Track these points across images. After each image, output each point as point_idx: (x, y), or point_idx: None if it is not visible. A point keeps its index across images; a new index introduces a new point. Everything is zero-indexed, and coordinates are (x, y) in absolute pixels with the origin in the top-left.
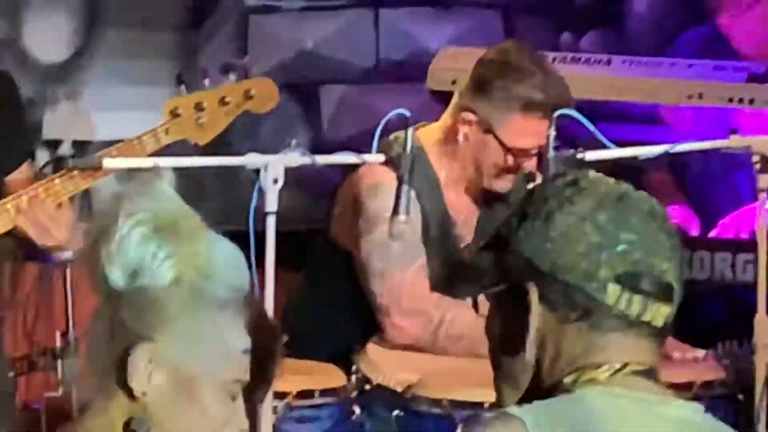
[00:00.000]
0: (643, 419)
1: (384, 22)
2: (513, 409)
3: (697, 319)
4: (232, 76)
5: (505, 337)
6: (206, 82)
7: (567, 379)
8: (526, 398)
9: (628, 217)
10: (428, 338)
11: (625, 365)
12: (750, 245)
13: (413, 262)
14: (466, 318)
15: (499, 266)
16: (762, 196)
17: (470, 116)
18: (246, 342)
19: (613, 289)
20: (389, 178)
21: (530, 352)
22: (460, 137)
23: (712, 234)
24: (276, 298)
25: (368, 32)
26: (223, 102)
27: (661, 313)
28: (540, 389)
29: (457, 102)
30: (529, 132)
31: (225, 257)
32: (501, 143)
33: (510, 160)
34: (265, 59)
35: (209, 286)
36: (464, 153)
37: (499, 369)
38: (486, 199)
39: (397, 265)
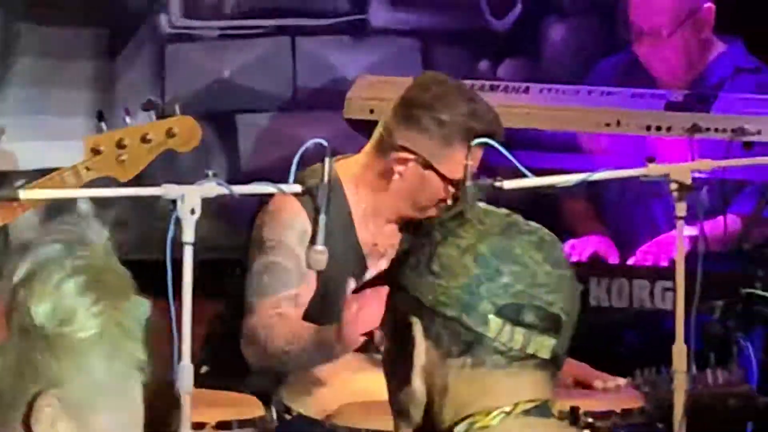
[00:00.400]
0: None
1: (301, 50)
2: None
3: (615, 347)
4: (153, 114)
5: (396, 371)
6: (128, 119)
7: (460, 428)
8: None
9: (512, 249)
10: (266, 363)
11: (515, 406)
12: (668, 273)
13: (278, 291)
14: (281, 334)
15: (388, 303)
16: (680, 223)
17: (406, 155)
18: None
19: (494, 321)
20: (291, 207)
21: (419, 387)
22: (396, 176)
23: (631, 262)
24: (195, 327)
25: (285, 60)
26: (144, 140)
27: (546, 346)
28: (431, 430)
29: (384, 139)
30: (470, 160)
31: (146, 320)
32: (442, 176)
33: (452, 190)
34: (182, 88)
35: (130, 345)
36: (399, 190)
37: (394, 403)
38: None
39: (260, 294)
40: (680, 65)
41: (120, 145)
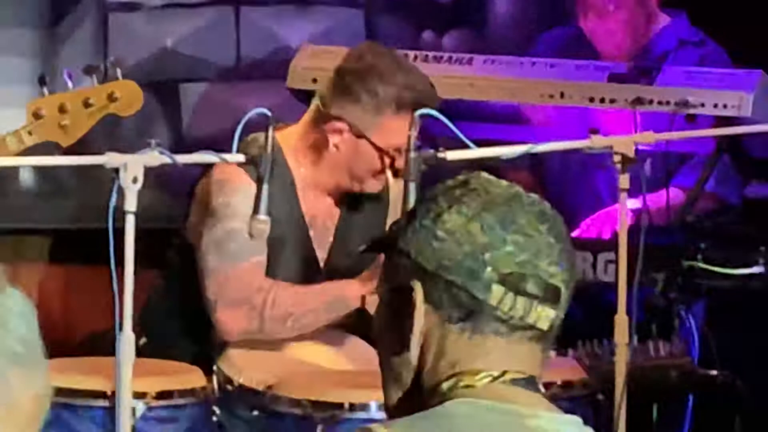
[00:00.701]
0: None
1: (245, 19)
2: (378, 428)
3: None
4: (94, 79)
5: (390, 336)
6: (69, 84)
7: (445, 385)
8: (405, 398)
9: (516, 219)
10: (255, 327)
11: (503, 373)
12: (611, 245)
13: (248, 258)
14: (288, 295)
15: (385, 266)
16: (622, 196)
17: (340, 125)
18: (38, 398)
19: (497, 289)
20: (237, 176)
21: (414, 352)
22: (331, 147)
23: (574, 234)
24: (136, 297)
25: (229, 30)
26: (86, 104)
27: (545, 316)
28: (419, 390)
29: (320, 110)
30: (402, 130)
31: (19, 310)
32: (375, 146)
33: (386, 160)
34: (125, 57)
35: (2, 335)
36: (335, 161)
37: (386, 369)
38: (347, 200)
39: (230, 260)
40: (625, 39)
41: (62, 110)
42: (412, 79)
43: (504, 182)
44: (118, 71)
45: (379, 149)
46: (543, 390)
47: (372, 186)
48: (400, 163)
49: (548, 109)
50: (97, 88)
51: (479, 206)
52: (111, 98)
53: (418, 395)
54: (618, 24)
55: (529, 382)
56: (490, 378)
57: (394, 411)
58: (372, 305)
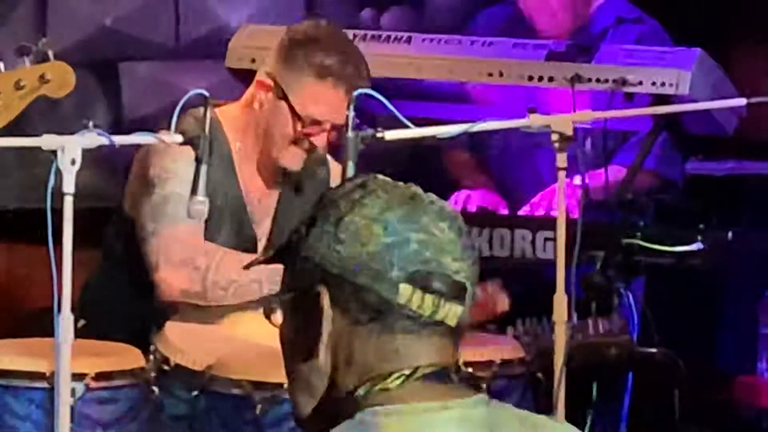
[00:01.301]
0: None
1: None
2: None
3: None
4: (27, 60)
5: (298, 344)
6: (1, 65)
7: (360, 391)
8: (321, 407)
9: (418, 217)
10: (197, 289)
11: (415, 369)
12: (550, 223)
13: (185, 221)
14: (233, 261)
15: (290, 273)
16: (560, 174)
17: (268, 80)
18: None
19: (404, 288)
20: (177, 146)
21: (323, 358)
22: (256, 105)
23: (520, 213)
24: (75, 278)
25: (168, 9)
26: (18, 86)
27: (453, 313)
28: (332, 398)
29: (258, 74)
30: (321, 100)
31: None
32: (292, 110)
33: (299, 127)
34: (64, 36)
35: None
36: (258, 121)
37: (294, 377)
38: (287, 181)
39: (169, 221)
40: (564, 17)
41: None
42: (343, 53)
43: (401, 183)
44: (50, 52)
45: (295, 114)
46: (455, 378)
47: (289, 159)
48: (317, 140)
49: (488, 87)
50: (28, 69)
51: (380, 206)
52: (42, 79)
53: (332, 403)
54: (555, 2)
55: (441, 375)
56: (402, 377)
57: (307, 422)
58: None
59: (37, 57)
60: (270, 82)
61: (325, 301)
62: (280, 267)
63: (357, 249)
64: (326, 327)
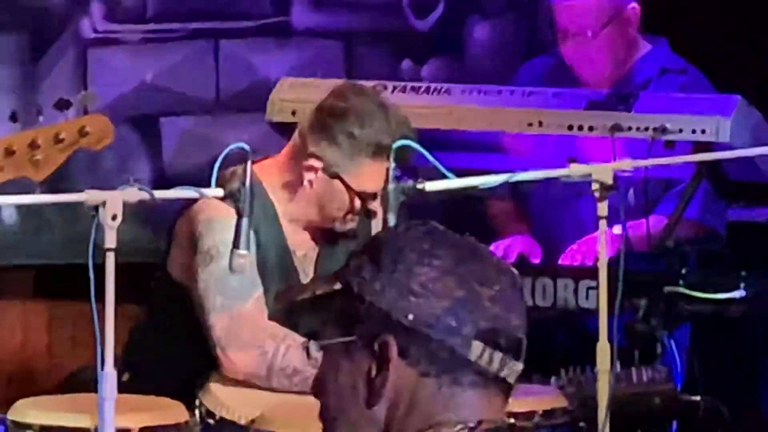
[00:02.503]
0: None
1: (224, 52)
2: None
3: (540, 347)
4: (68, 113)
5: (353, 389)
6: (41, 118)
7: None
8: None
9: (486, 272)
10: (263, 373)
11: (479, 423)
12: (592, 272)
13: (251, 294)
14: (299, 353)
15: (346, 317)
16: (602, 223)
17: (316, 162)
18: None
19: (476, 345)
20: (225, 212)
21: (383, 407)
22: (306, 183)
23: (558, 262)
24: (118, 332)
25: (208, 63)
26: (57, 139)
27: (515, 370)
28: None
29: (299, 145)
30: (377, 176)
31: None
32: (348, 187)
33: (357, 203)
34: (105, 92)
35: None
36: (309, 197)
37: (340, 421)
38: (326, 235)
39: (235, 299)
40: (606, 66)
41: (33, 145)
42: (391, 122)
43: (458, 235)
44: (90, 105)
45: (352, 190)
46: None
47: (342, 225)
48: (373, 206)
49: (527, 137)
50: (68, 123)
51: (453, 260)
52: (82, 133)
53: None
54: (598, 51)
55: (501, 430)
56: (466, 429)
57: None
58: None
59: (77, 110)
60: (318, 164)
61: (393, 351)
62: None
63: (430, 301)
64: (392, 377)
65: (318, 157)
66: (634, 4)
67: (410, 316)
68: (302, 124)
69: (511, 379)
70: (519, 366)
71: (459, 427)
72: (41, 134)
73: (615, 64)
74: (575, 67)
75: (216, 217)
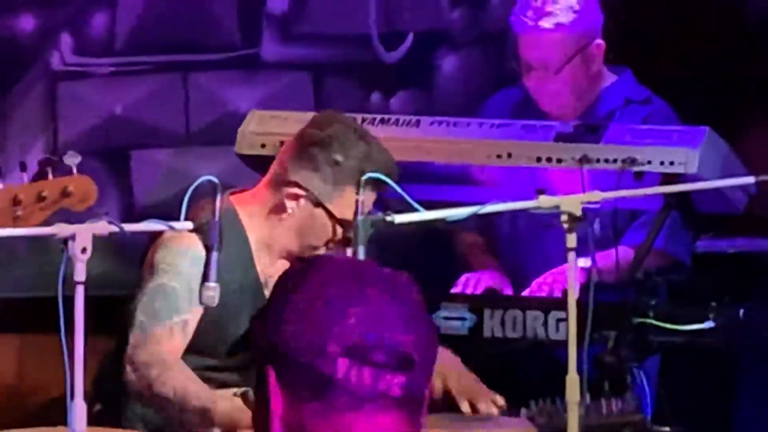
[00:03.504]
0: None
1: (193, 85)
2: None
3: (510, 378)
4: (50, 172)
5: (258, 423)
6: (24, 176)
7: None
8: None
9: (360, 291)
10: (147, 395)
11: None
12: (561, 304)
13: (170, 317)
14: (178, 381)
15: (252, 355)
16: (571, 255)
17: (298, 191)
18: None
19: (342, 362)
20: (188, 239)
21: None
22: (287, 212)
23: (526, 293)
24: (89, 364)
25: (178, 96)
26: (39, 198)
27: (396, 383)
28: None
29: (279, 174)
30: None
31: None
32: (331, 215)
33: (339, 231)
34: (74, 125)
35: None
36: (289, 225)
37: None
38: None
39: (152, 319)
40: (568, 100)
41: (15, 202)
42: (373, 151)
43: (354, 258)
44: (74, 167)
45: (334, 218)
46: None
47: (319, 252)
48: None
49: (495, 169)
50: (51, 181)
51: (320, 282)
52: (65, 193)
53: None
54: (561, 85)
55: None
56: None
57: None
58: None
59: (59, 164)
60: (301, 192)
61: (272, 379)
62: (210, 406)
63: (299, 326)
64: (274, 405)
65: (301, 186)
66: (599, 41)
67: (284, 345)
68: (282, 154)
69: (393, 393)
70: (400, 379)
71: None
72: (24, 191)
73: (578, 99)
74: (538, 100)
75: (176, 239)
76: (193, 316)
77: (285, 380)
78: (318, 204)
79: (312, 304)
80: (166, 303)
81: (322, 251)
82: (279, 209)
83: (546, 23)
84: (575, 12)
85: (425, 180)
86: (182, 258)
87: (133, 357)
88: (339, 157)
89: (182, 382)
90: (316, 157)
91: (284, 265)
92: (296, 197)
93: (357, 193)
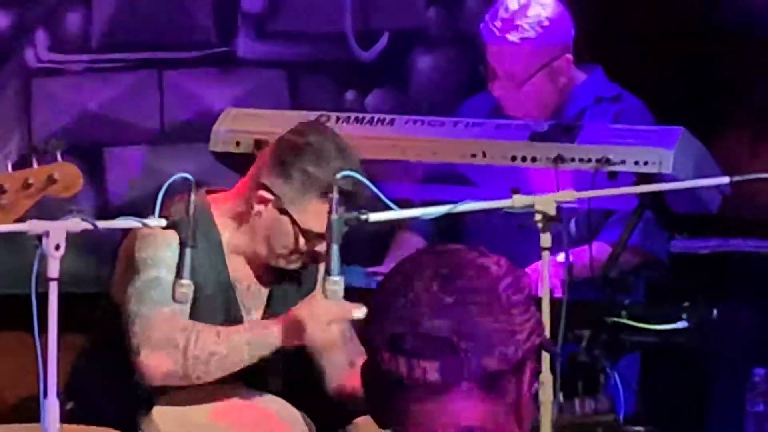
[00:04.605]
0: None
1: (168, 83)
2: None
3: None
4: (35, 160)
5: None
6: (9, 164)
7: None
8: None
9: (408, 281)
10: (178, 368)
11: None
12: (535, 302)
13: (168, 305)
14: (210, 334)
15: None
16: (545, 254)
17: (266, 195)
18: None
19: (385, 354)
20: (163, 231)
21: None
22: (254, 214)
23: None
24: (64, 361)
25: (153, 93)
26: (25, 185)
27: (431, 368)
28: None
29: (254, 177)
30: (324, 216)
31: None
32: (295, 224)
33: (302, 242)
34: (49, 122)
35: None
36: (257, 229)
37: None
38: (273, 274)
39: (152, 306)
40: (532, 110)
41: (1, 191)
42: (346, 166)
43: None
44: (59, 153)
45: (299, 228)
46: None
47: (287, 264)
48: (320, 248)
49: (472, 168)
50: (37, 169)
51: (389, 277)
52: (50, 180)
53: None
54: (526, 96)
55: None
56: None
57: None
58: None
59: (44, 155)
60: (269, 196)
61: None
62: (259, 332)
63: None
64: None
65: (270, 190)
66: (568, 56)
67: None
68: (261, 157)
69: (431, 377)
70: (434, 364)
71: None
72: (9, 180)
73: (543, 109)
74: (504, 107)
75: (152, 233)
76: (187, 306)
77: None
78: (283, 211)
79: (374, 297)
80: (162, 293)
81: (286, 261)
82: (247, 211)
83: (513, 36)
84: (543, 27)
85: (404, 178)
86: (165, 250)
87: (147, 343)
88: (310, 167)
89: (214, 331)
90: (288, 163)
91: (257, 268)
92: (264, 201)
93: (329, 207)
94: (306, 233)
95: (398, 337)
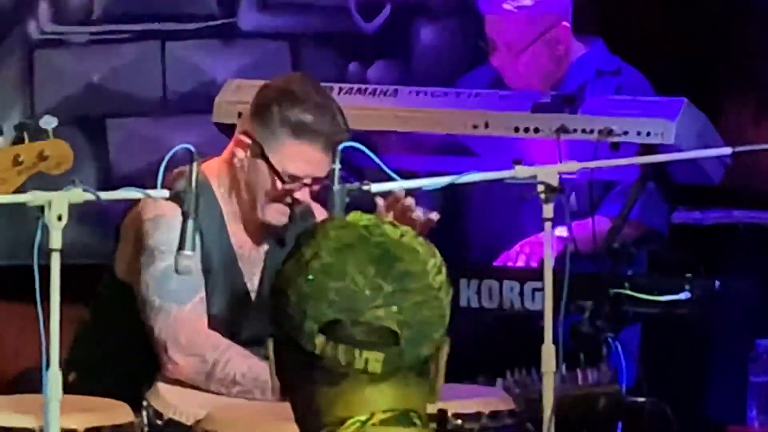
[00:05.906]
0: None
1: (170, 54)
2: None
3: (485, 348)
4: (26, 136)
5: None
6: (0, 140)
7: None
8: None
9: (344, 264)
10: (201, 380)
11: (372, 415)
12: (538, 274)
13: (192, 296)
14: (241, 363)
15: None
16: (547, 225)
17: (245, 139)
18: None
19: (319, 340)
20: (171, 211)
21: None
22: (236, 161)
23: (499, 263)
24: (64, 333)
25: (155, 65)
26: (16, 162)
27: (374, 359)
28: None
29: (238, 129)
30: (299, 158)
31: None
32: (271, 167)
33: (279, 185)
34: (51, 94)
35: None
36: (239, 178)
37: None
38: (271, 238)
39: (174, 300)
40: (532, 80)
41: None
42: (321, 109)
43: (363, 222)
44: (50, 129)
45: (274, 171)
46: (418, 421)
47: (272, 215)
48: (300, 195)
49: (475, 139)
50: (28, 146)
51: (309, 256)
52: (41, 157)
53: None
54: (525, 66)
55: (402, 418)
56: (358, 424)
57: None
58: None
59: (36, 131)
60: (247, 140)
61: (270, 350)
62: None
63: (283, 300)
64: (272, 374)
65: (248, 134)
66: (565, 23)
67: (273, 316)
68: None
69: (373, 369)
70: (377, 355)
71: (349, 422)
72: (1, 155)
73: (543, 79)
74: (504, 79)
75: (162, 215)
76: (201, 287)
77: (278, 351)
78: (260, 154)
79: (296, 277)
80: (182, 283)
81: (269, 211)
82: (230, 157)
83: (508, 5)
84: None
85: (427, 151)
86: (175, 235)
87: (176, 344)
88: (285, 108)
89: (245, 363)
90: (266, 106)
91: (253, 233)
92: (243, 145)
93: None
94: (282, 176)
95: (335, 324)
